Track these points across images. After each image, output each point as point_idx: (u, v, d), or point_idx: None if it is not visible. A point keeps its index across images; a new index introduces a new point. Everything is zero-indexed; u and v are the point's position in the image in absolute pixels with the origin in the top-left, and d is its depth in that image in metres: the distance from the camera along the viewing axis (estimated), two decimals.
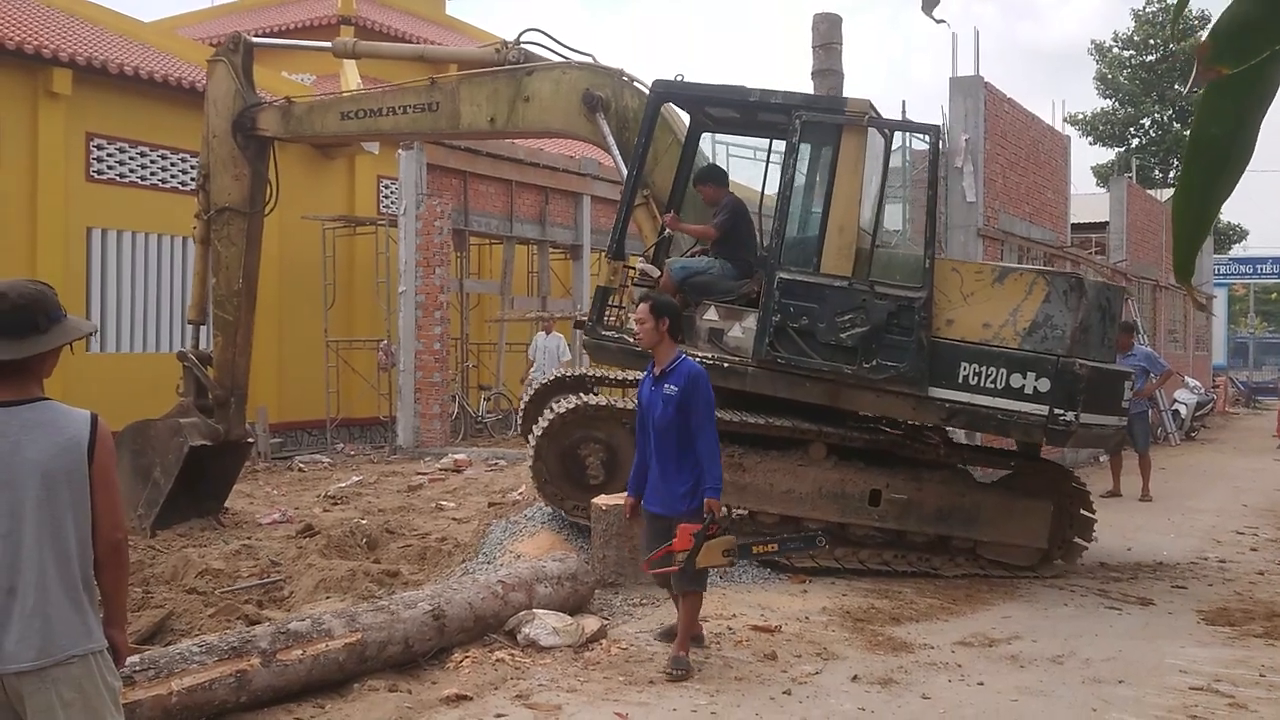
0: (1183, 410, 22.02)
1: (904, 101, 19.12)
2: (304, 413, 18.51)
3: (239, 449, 11.20)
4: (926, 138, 8.51)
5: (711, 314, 8.60)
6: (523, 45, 9.81)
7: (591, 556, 7.74)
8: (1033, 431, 8.04)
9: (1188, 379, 23.26)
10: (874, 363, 8.04)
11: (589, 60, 9.55)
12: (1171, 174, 42.50)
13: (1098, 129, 44.64)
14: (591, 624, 6.65)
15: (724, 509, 6.04)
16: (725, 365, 8.38)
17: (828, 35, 12.49)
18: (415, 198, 17.36)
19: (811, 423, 8.47)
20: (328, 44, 11.14)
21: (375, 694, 5.58)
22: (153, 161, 16.70)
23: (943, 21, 2.62)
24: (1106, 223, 22.12)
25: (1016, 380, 7.92)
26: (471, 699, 5.52)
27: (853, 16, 12.34)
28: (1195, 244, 1.95)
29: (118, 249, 16.49)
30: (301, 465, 15.99)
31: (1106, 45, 44.57)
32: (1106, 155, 45.24)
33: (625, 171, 8.89)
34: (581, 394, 8.96)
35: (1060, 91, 63.19)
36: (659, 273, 8.62)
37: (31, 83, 15.24)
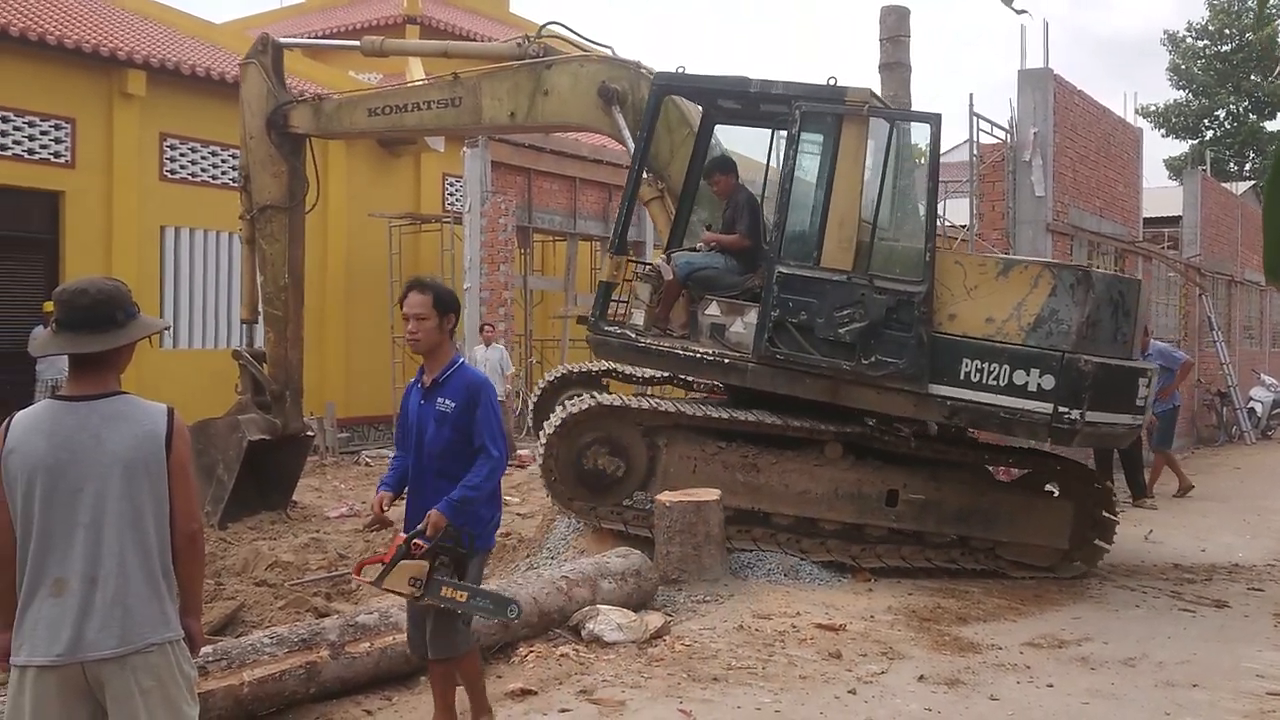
0: (1259, 408, 21.55)
1: (970, 95, 18.84)
2: (371, 408, 18.72)
3: (299, 442, 11.37)
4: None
5: (713, 309, 8.57)
6: (545, 39, 9.82)
7: (655, 552, 7.74)
8: (1036, 430, 7.80)
9: (1264, 376, 22.74)
10: (873, 359, 7.90)
11: (608, 53, 9.55)
12: (1248, 166, 41.50)
13: (1171, 121, 43.72)
14: (655, 620, 6.66)
15: (458, 533, 4.73)
16: (726, 361, 8.35)
17: (895, 28, 12.38)
18: (480, 195, 17.48)
19: (827, 421, 8.36)
20: (356, 43, 11.21)
21: None
22: (223, 161, 16.99)
23: (1024, 12, 2.57)
24: (1180, 217, 21.68)
25: (1020, 377, 7.68)
26: (536, 694, 5.54)
27: (917, 6, 12.22)
28: None
29: (190, 246, 16.83)
30: (368, 459, 16.20)
31: (1180, 35, 43.63)
32: (1180, 148, 44.28)
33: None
34: (593, 392, 8.93)
35: (1132, 83, 62.05)
36: (673, 274, 8.63)
37: (107, 84, 15.60)
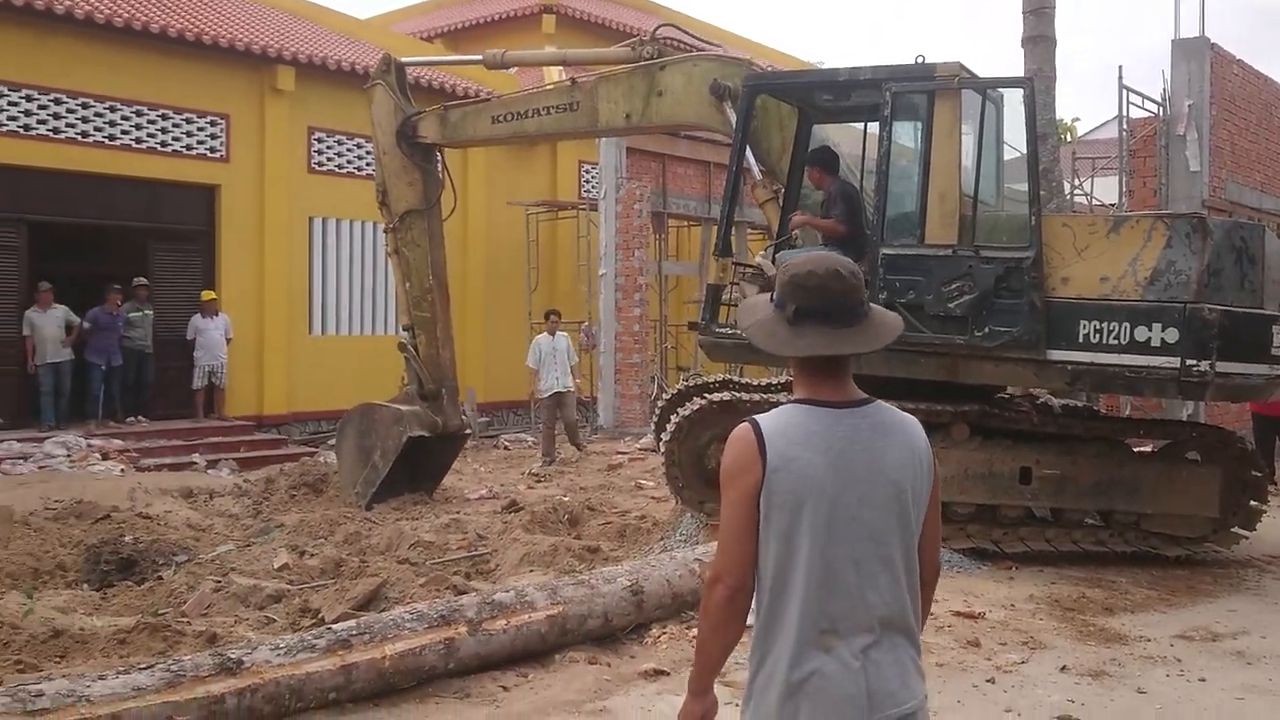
0: None
1: (1120, 67, 17.95)
2: (509, 393, 19.07)
3: (456, 439, 11.73)
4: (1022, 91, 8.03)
5: None
6: (658, 40, 9.93)
7: None
8: (1165, 387, 7.53)
9: None
10: (986, 330, 7.73)
11: (718, 51, 9.61)
12: None
13: None
14: None
15: None
16: None
17: (1039, 0, 12.02)
18: (615, 181, 17.62)
19: (950, 402, 8.20)
20: (479, 57, 11.42)
21: (576, 665, 5.71)
22: (367, 153, 17.48)
23: None
24: None
25: (1141, 333, 7.42)
26: (669, 674, 5.58)
27: None
28: None
29: (336, 236, 17.41)
30: (507, 444, 16.51)
31: None
32: None
33: (753, 162, 8.82)
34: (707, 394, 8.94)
35: None
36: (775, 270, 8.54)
37: (259, 80, 16.24)
